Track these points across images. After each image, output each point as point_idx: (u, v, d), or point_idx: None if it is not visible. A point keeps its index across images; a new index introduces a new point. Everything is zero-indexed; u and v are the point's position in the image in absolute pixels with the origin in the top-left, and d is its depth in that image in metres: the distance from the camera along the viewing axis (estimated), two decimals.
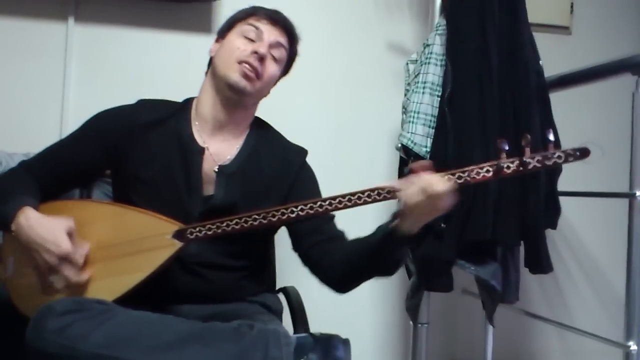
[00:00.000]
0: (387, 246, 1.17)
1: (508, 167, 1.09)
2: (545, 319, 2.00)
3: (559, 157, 1.07)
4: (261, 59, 1.33)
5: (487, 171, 1.10)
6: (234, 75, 1.32)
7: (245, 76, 1.32)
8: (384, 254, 1.19)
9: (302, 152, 1.47)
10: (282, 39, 1.38)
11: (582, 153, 1.08)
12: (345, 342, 1.29)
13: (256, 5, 1.40)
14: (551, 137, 1.08)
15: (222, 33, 1.40)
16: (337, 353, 1.25)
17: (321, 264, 1.32)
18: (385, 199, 1.14)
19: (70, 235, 1.21)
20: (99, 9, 1.94)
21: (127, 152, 1.34)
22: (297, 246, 1.38)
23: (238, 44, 1.34)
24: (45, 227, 1.20)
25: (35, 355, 1.07)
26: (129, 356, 1.04)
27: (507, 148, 1.09)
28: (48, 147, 1.41)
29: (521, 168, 1.08)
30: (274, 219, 1.19)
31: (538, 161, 1.08)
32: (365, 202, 1.15)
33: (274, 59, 1.37)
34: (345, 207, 1.16)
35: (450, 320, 2.26)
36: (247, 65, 1.32)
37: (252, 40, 1.34)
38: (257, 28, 1.35)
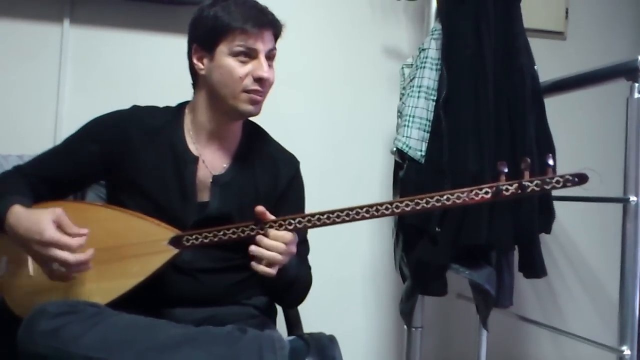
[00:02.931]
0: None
1: (507, 190, 1.12)
2: (539, 324, 2.00)
3: (558, 181, 1.10)
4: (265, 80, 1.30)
5: (486, 193, 1.13)
6: (244, 106, 1.30)
7: (254, 102, 1.30)
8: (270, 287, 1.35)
9: (293, 163, 1.47)
10: (271, 42, 1.32)
11: (580, 179, 1.11)
12: (332, 339, 1.30)
13: (237, 13, 1.27)
14: (550, 161, 1.11)
15: (205, 45, 1.31)
16: (330, 352, 1.25)
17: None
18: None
19: (58, 223, 1.15)
20: (94, 10, 1.94)
21: (122, 159, 1.34)
22: None
23: (236, 70, 1.28)
24: (30, 219, 1.16)
25: (26, 357, 1.06)
26: (121, 359, 1.04)
27: (506, 170, 1.12)
28: (42, 153, 1.40)
29: (520, 191, 1.11)
30: (271, 230, 1.19)
31: (537, 185, 1.11)
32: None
33: (270, 60, 1.33)
34: (343, 221, 1.16)
35: (444, 325, 2.26)
36: (254, 95, 1.29)
37: (247, 59, 1.28)
38: (249, 47, 1.27)
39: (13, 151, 1.64)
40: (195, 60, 1.33)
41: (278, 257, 1.16)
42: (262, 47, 1.29)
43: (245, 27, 1.26)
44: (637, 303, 1.51)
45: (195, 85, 1.38)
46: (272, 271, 1.17)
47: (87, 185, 1.51)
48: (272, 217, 1.18)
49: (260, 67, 1.28)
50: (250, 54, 1.28)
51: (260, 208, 1.18)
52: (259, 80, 1.28)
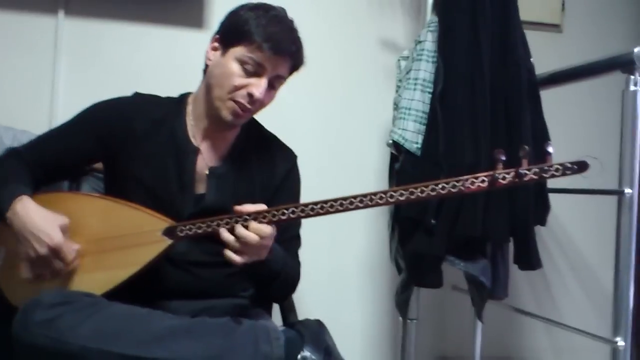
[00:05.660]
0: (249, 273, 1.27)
1: (504, 178, 1.08)
2: (533, 315, 2.01)
3: (557, 169, 1.06)
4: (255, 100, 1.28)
5: (483, 181, 1.10)
6: (226, 113, 1.29)
7: (236, 114, 1.29)
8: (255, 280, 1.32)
9: (291, 157, 1.46)
10: (284, 70, 1.32)
11: (580, 167, 1.06)
12: (321, 324, 1.30)
13: (264, 29, 1.26)
14: (550, 149, 1.07)
15: (225, 40, 1.31)
16: (324, 340, 1.25)
17: None
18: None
19: (63, 231, 1.21)
20: (89, 2, 1.93)
21: (122, 146, 1.34)
22: None
23: (235, 76, 1.27)
24: (40, 217, 1.20)
25: (22, 348, 1.07)
26: (117, 349, 1.05)
27: (504, 159, 1.08)
28: (39, 136, 1.40)
29: (517, 180, 1.08)
30: (264, 220, 1.17)
31: (535, 173, 1.07)
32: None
33: (273, 86, 1.32)
34: (337, 211, 1.14)
35: (439, 316, 2.27)
36: (239, 107, 1.28)
37: (251, 72, 1.27)
38: (257, 64, 1.26)
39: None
40: (210, 49, 1.34)
41: (244, 247, 1.13)
42: (269, 69, 1.28)
43: (262, 45, 1.25)
44: (631, 295, 1.51)
45: (203, 75, 1.38)
46: (238, 259, 1.13)
47: (85, 170, 1.52)
48: (253, 209, 1.16)
49: (258, 85, 1.27)
50: (256, 70, 1.27)
51: (237, 207, 1.17)
52: (250, 96, 1.27)
